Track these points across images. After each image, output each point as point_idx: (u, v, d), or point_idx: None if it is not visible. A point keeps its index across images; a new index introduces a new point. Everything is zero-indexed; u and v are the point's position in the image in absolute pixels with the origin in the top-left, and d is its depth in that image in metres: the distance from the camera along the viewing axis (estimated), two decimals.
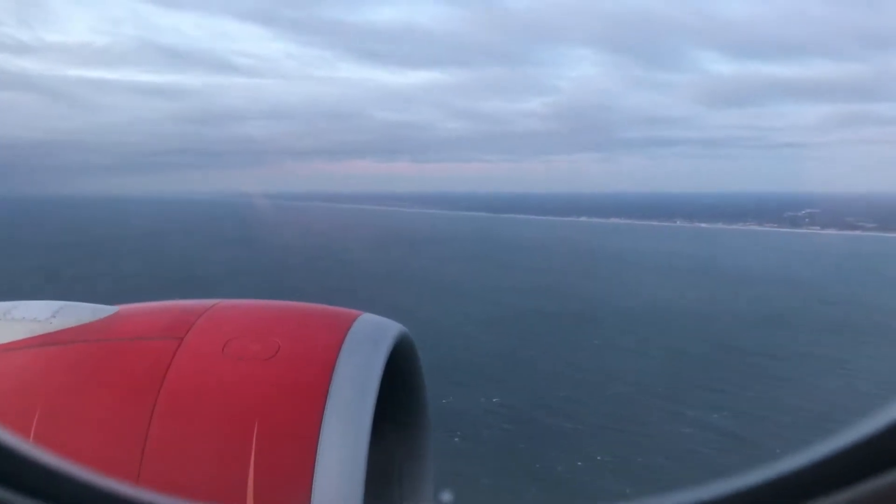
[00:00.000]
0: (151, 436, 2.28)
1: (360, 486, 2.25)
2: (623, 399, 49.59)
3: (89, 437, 2.32)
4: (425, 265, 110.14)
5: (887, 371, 55.58)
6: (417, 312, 75.01)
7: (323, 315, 2.97)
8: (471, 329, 68.53)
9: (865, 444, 1.20)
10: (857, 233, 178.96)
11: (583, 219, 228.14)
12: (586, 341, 64.78)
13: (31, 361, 2.63)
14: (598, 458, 38.53)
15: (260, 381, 2.49)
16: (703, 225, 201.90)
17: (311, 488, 2.22)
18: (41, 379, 2.55)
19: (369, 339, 2.67)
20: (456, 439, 38.99)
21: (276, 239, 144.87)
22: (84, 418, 2.38)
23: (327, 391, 2.38)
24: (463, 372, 51.56)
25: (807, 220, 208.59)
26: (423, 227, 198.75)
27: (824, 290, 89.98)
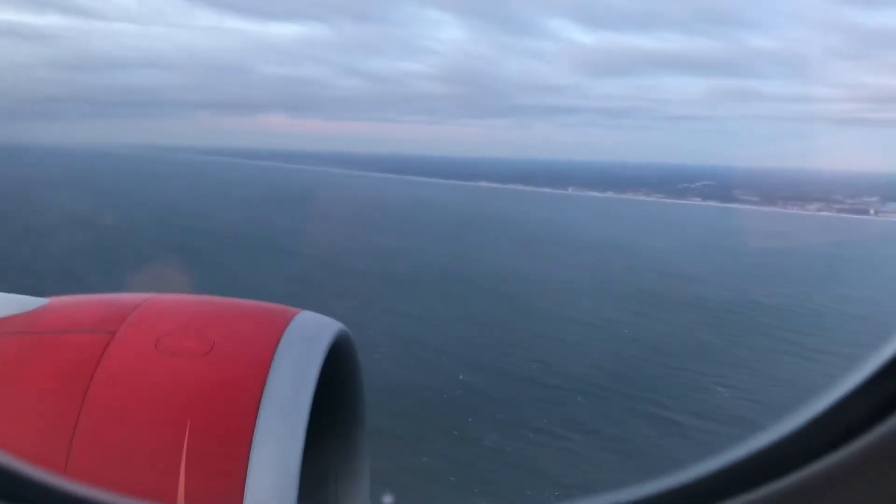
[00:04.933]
0: (80, 431, 2.20)
1: (294, 486, 2.19)
2: (396, 355, 50.79)
3: (17, 431, 2.24)
4: (282, 224, 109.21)
5: (649, 333, 58.52)
6: (234, 269, 74.53)
7: (260, 312, 2.92)
8: (283, 287, 68.20)
9: (777, 446, 1.27)
10: (735, 205, 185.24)
11: (482, 184, 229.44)
12: (395, 302, 65.64)
13: None
14: None
15: (194, 377, 2.42)
16: (593, 193, 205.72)
17: (244, 487, 2.16)
18: None
19: (307, 337, 2.61)
20: None
21: (143, 192, 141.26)
22: (11, 412, 2.29)
23: (263, 389, 2.32)
24: None
25: (696, 192, 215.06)
26: (314, 185, 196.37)
27: (655, 258, 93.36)
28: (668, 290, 75.84)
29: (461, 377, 47.04)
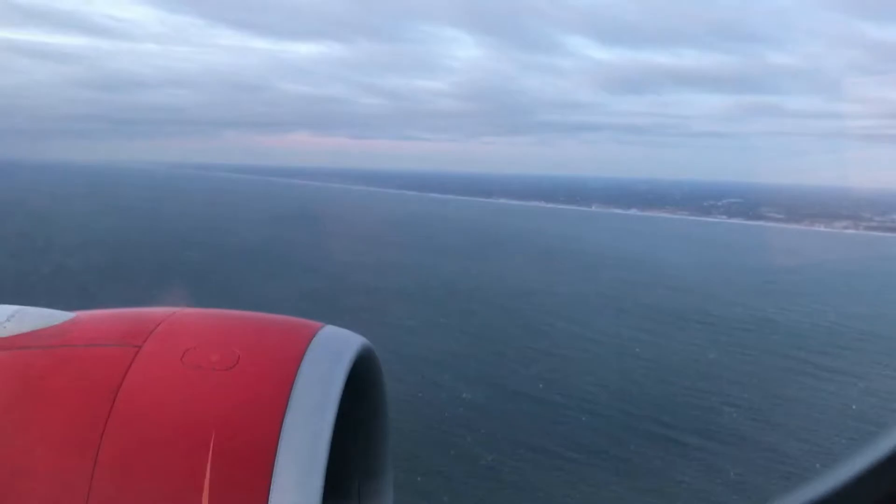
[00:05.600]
0: (106, 442, 2.24)
1: (317, 501, 2.20)
2: (401, 371, 50.39)
3: (42, 445, 2.27)
4: (304, 240, 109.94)
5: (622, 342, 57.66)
6: (257, 284, 74.87)
7: (284, 326, 2.80)
8: (301, 302, 68.40)
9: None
10: (761, 223, 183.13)
11: (502, 200, 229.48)
12: (406, 318, 65.45)
13: None
14: None
15: (218, 391, 2.41)
16: (616, 210, 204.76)
17: (267, 502, 2.17)
18: None
19: (331, 352, 2.53)
20: None
21: (169, 209, 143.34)
22: (36, 425, 2.31)
23: (287, 403, 2.32)
24: None
25: (722, 209, 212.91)
26: (337, 203, 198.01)
27: (675, 276, 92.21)
28: (685, 308, 74.84)
29: (464, 395, 46.50)
